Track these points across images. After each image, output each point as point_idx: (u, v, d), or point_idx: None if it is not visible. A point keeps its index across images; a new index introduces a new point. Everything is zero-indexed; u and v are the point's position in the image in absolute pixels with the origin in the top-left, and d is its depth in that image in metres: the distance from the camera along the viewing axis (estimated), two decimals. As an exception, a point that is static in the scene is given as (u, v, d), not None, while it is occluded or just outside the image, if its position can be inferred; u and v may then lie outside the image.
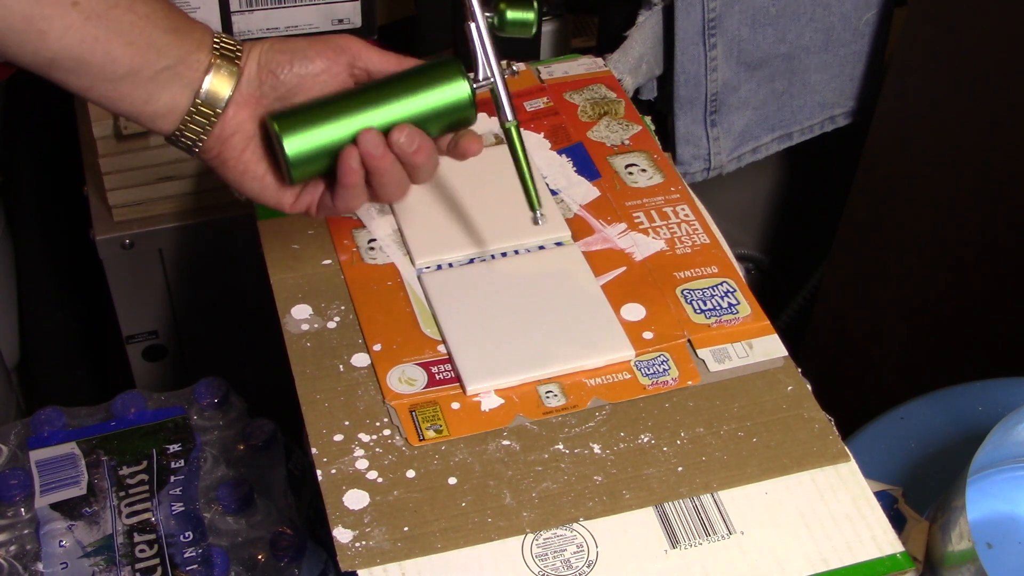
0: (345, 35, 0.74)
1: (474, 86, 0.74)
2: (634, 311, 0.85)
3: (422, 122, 0.73)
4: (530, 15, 0.78)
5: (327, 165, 0.73)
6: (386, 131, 0.72)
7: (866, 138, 1.28)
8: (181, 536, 0.98)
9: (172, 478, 1.02)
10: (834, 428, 0.79)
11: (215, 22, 1.03)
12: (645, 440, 0.77)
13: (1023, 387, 0.93)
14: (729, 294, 0.86)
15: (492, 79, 0.75)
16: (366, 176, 0.73)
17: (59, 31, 0.65)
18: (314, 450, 0.76)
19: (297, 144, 0.71)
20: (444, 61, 0.74)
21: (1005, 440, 0.80)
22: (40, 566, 0.95)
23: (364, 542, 0.71)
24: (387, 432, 0.77)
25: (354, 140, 0.71)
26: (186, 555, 0.96)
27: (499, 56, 0.76)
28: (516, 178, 0.77)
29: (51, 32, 0.65)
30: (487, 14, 0.76)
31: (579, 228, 0.91)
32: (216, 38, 0.71)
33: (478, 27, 0.75)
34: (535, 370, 0.80)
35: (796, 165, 1.50)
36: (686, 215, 0.92)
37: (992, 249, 1.16)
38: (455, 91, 0.73)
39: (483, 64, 0.75)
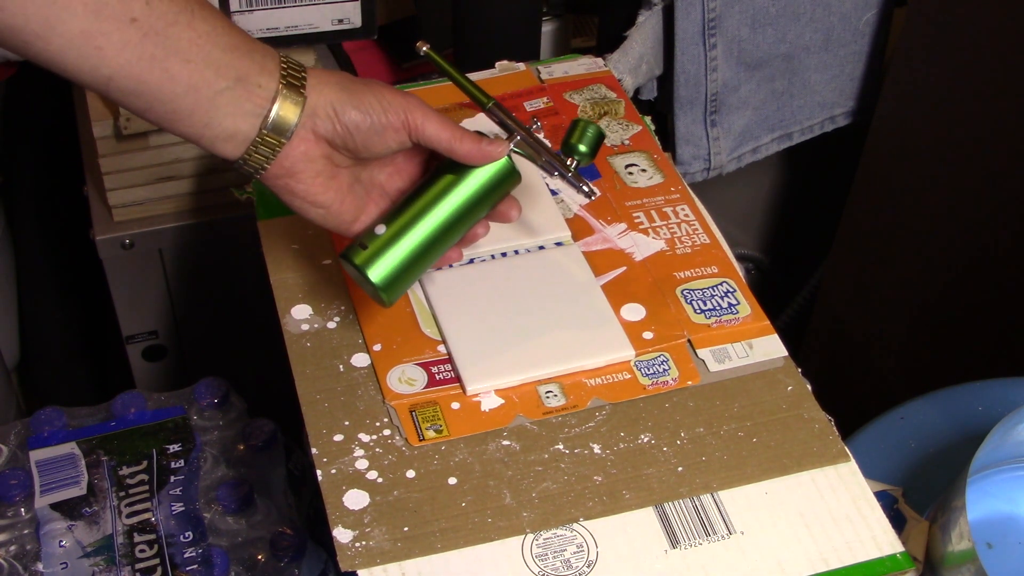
0: (410, 97, 0.74)
1: (510, 148, 0.78)
2: (634, 311, 0.85)
3: (482, 203, 0.78)
4: (596, 143, 0.80)
5: (414, 278, 0.78)
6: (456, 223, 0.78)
7: (866, 138, 1.28)
8: (181, 536, 0.98)
9: (172, 478, 1.02)
10: (834, 428, 0.79)
11: (215, 22, 1.03)
12: (645, 440, 0.77)
13: (1023, 387, 0.93)
14: (729, 294, 0.86)
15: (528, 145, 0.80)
16: None
17: (117, 47, 0.65)
18: (314, 450, 0.76)
19: (383, 275, 0.76)
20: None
21: (1005, 440, 0.80)
22: (40, 566, 0.95)
23: (364, 542, 0.71)
24: (387, 432, 0.77)
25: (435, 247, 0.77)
26: (186, 555, 0.96)
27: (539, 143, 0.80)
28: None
29: (109, 48, 0.65)
30: (568, 163, 0.79)
31: (579, 228, 0.91)
32: (284, 63, 0.71)
33: (523, 138, 0.79)
34: (535, 370, 0.80)
35: (796, 165, 1.50)
36: (686, 215, 0.92)
37: (992, 249, 1.16)
38: (505, 178, 0.78)
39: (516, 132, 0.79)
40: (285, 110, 0.70)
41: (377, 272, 0.75)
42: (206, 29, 0.68)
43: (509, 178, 0.78)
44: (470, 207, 0.77)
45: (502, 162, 0.77)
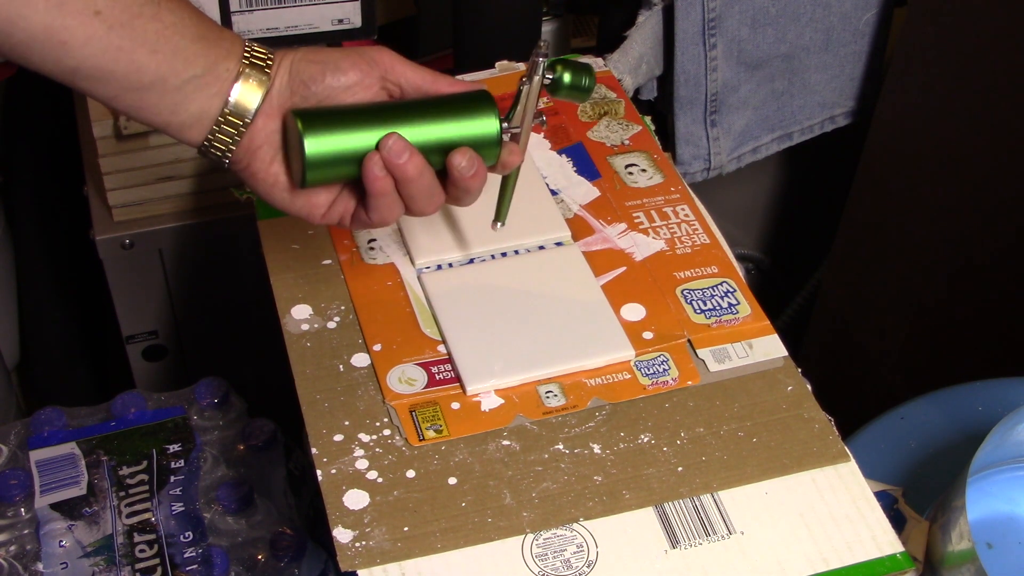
0: (379, 47, 0.73)
1: (504, 125, 0.74)
2: (634, 311, 0.85)
3: (447, 147, 0.73)
4: (585, 81, 0.77)
5: (344, 173, 0.72)
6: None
7: (866, 138, 1.28)
8: (181, 536, 0.98)
9: (172, 478, 1.02)
10: (834, 428, 0.79)
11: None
12: (645, 440, 0.77)
13: (1023, 387, 0.93)
14: (729, 294, 0.86)
15: (519, 130, 0.76)
16: (397, 185, 0.72)
17: (81, 41, 0.64)
18: (314, 450, 0.76)
19: (317, 145, 0.70)
20: (479, 95, 0.74)
21: (1005, 440, 0.80)
22: (40, 566, 0.95)
23: (364, 542, 0.71)
24: (387, 432, 0.77)
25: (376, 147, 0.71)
26: (186, 555, 0.96)
27: (536, 115, 0.77)
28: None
29: (73, 42, 0.64)
30: (547, 76, 0.76)
31: (579, 228, 0.91)
32: (247, 47, 0.70)
33: (531, 89, 0.75)
34: (535, 370, 0.80)
35: (796, 165, 1.50)
36: (686, 215, 0.92)
37: (992, 249, 1.16)
38: (485, 127, 0.74)
39: (519, 116, 0.76)
40: (247, 90, 0.69)
41: (313, 145, 0.69)
42: (173, 20, 0.67)
43: (489, 140, 0.74)
44: (440, 137, 0.72)
45: (488, 120, 0.74)
